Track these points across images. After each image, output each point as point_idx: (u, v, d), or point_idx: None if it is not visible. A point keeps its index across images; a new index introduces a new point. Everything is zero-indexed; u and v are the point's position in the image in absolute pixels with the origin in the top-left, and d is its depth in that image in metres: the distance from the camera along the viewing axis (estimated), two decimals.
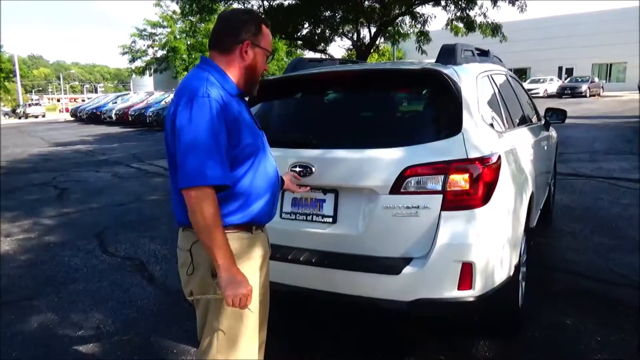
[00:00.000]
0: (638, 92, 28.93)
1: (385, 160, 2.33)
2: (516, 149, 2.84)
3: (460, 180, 2.22)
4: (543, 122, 4.60)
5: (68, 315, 3.41)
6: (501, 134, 2.76)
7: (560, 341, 2.82)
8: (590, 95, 28.92)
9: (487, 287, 2.26)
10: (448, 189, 2.22)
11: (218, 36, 1.70)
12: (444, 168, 2.23)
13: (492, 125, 2.67)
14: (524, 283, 3.00)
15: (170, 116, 1.59)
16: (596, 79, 32.44)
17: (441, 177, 2.23)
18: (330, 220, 2.48)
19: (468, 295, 2.20)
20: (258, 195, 1.68)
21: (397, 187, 2.29)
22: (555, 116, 4.68)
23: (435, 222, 2.23)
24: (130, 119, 23.99)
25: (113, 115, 26.45)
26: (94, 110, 29.82)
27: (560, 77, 38.30)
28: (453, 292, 2.20)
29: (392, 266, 2.24)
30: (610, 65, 40.58)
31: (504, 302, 2.50)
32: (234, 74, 1.68)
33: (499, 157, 2.42)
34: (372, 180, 2.34)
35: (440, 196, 2.23)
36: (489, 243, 2.26)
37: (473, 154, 2.25)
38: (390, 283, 2.24)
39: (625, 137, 11.50)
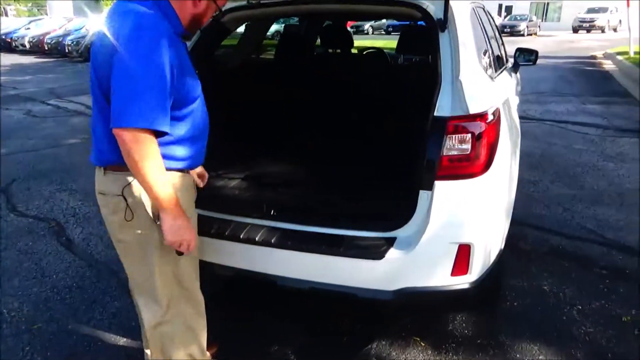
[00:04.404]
0: (572, 32, 29.80)
1: None
2: (508, 100, 2.42)
3: (459, 142, 1.76)
4: (512, 63, 4.21)
5: None
6: (493, 80, 2.32)
7: (541, 312, 2.58)
8: (527, 34, 29.25)
9: (484, 268, 1.89)
10: (443, 154, 1.76)
11: None
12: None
13: (484, 70, 2.21)
14: None
15: (108, 45, 1.41)
16: (534, 18, 32.81)
17: None
18: None
19: (463, 281, 1.82)
20: (192, 143, 1.62)
21: None
22: (524, 57, 4.29)
23: None
24: (46, 48, 21.49)
25: (26, 43, 23.51)
26: (4, 37, 26.43)
27: (499, 14, 38.44)
28: (446, 279, 1.81)
29: (373, 250, 1.80)
30: (547, 4, 41.13)
31: (495, 280, 2.16)
32: (180, 16, 1.55)
33: (498, 112, 1.98)
34: None
35: None
36: (490, 218, 1.87)
37: (474, 108, 1.79)
38: (371, 270, 1.81)
39: (566, 78, 11.58)
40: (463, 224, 1.78)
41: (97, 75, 1.48)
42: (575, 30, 29.98)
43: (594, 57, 16.28)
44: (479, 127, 1.78)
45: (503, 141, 1.98)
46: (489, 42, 2.75)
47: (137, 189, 1.52)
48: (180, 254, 1.57)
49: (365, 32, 28.34)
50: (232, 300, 2.74)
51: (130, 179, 1.51)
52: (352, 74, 3.15)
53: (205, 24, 2.40)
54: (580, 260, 3.12)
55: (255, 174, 2.48)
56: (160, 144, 1.47)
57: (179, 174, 1.61)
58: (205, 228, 2.01)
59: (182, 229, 1.49)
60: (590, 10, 30.16)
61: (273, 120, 2.88)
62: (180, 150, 1.58)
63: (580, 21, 30.08)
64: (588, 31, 29.41)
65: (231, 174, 2.49)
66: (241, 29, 3.73)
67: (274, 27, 14.55)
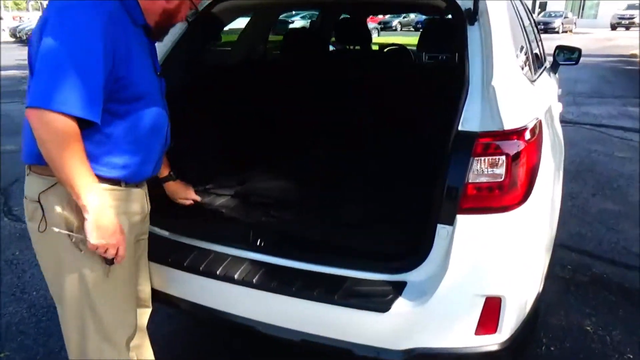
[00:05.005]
0: (610, 29, 28.53)
1: None
2: (551, 108, 2.01)
3: (490, 166, 1.38)
4: (551, 62, 3.74)
5: None
6: (533, 83, 1.92)
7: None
8: (562, 32, 28.12)
9: (517, 324, 1.50)
10: (469, 181, 1.38)
11: None
12: None
13: (523, 71, 1.81)
14: None
15: (42, 21, 1.28)
16: (570, 15, 31.56)
17: None
18: None
19: (490, 342, 1.44)
20: (133, 150, 1.40)
21: None
22: (564, 56, 3.81)
23: None
24: None
25: None
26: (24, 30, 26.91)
27: (533, 10, 37.15)
28: (468, 339, 1.43)
29: (376, 299, 1.43)
30: (584, 0, 39.55)
31: (531, 331, 1.76)
32: (149, 9, 1.42)
33: (540, 125, 1.58)
34: None
35: None
36: (528, 263, 1.48)
37: (511, 123, 1.40)
38: (374, 324, 1.44)
39: (606, 79, 10.92)
40: (492, 271, 1.40)
41: (30, 63, 1.32)
42: (614, 27, 28.71)
43: (634, 56, 15.44)
44: (516, 146, 1.39)
45: (545, 162, 1.58)
46: (527, 38, 2.33)
47: (53, 196, 1.35)
48: (110, 262, 1.38)
49: (394, 28, 27.71)
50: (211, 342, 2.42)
51: (48, 183, 1.34)
52: (368, 75, 2.76)
53: (194, 17, 2.11)
54: (628, 294, 2.69)
55: (245, 190, 2.14)
56: (88, 140, 1.29)
57: (106, 185, 1.37)
58: (175, 258, 1.69)
59: (105, 232, 1.31)
60: (631, 7, 28.79)
61: (272, 127, 2.53)
62: (114, 154, 1.37)
63: (619, 18, 28.79)
64: (627, 28, 28.13)
65: (218, 190, 2.16)
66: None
67: (301, 23, 14.20)
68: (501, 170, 1.37)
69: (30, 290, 2.78)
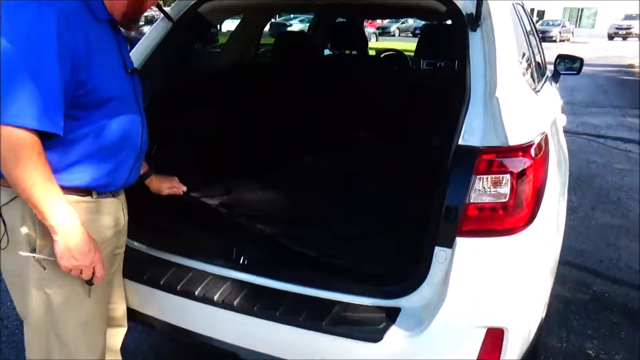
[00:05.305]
0: (607, 39, 28.64)
1: None
2: (556, 120, 1.91)
3: (493, 185, 1.26)
4: (552, 72, 3.65)
5: None
6: (537, 94, 1.81)
7: None
8: (560, 40, 28.21)
9: (520, 355, 1.38)
10: (470, 201, 1.26)
11: None
12: None
13: (527, 81, 1.70)
14: None
15: None
16: (567, 24, 31.69)
17: None
18: None
19: None
20: (101, 158, 1.29)
21: None
22: (565, 65, 3.72)
23: None
24: None
25: None
26: None
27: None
28: None
29: (367, 327, 1.32)
30: (582, 10, 39.75)
31: (534, 356, 1.64)
32: (113, 2, 1.30)
33: (547, 139, 1.47)
34: None
35: None
36: (532, 291, 1.37)
37: (516, 138, 1.29)
38: (365, 355, 1.32)
39: (603, 88, 10.89)
40: (495, 300, 1.28)
41: None
42: (611, 37, 28.83)
43: (631, 66, 15.46)
44: (522, 163, 1.28)
45: (551, 180, 1.47)
46: (530, 45, 2.23)
47: (16, 209, 1.24)
48: (89, 283, 1.29)
49: (392, 33, 27.67)
50: None
51: (11, 195, 1.23)
52: (362, 82, 2.65)
53: (179, 16, 2.00)
54: (631, 315, 2.58)
55: (232, 201, 2.02)
56: (51, 150, 1.18)
57: (73, 196, 1.26)
58: (151, 275, 1.57)
59: (77, 252, 1.21)
60: (628, 17, 28.93)
61: (261, 134, 2.41)
62: (81, 163, 1.26)
63: (617, 28, 28.91)
64: (624, 38, 28.25)
65: (203, 199, 2.04)
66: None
67: (299, 27, 14.12)
68: (505, 190, 1.26)
69: (6, 300, 2.64)
